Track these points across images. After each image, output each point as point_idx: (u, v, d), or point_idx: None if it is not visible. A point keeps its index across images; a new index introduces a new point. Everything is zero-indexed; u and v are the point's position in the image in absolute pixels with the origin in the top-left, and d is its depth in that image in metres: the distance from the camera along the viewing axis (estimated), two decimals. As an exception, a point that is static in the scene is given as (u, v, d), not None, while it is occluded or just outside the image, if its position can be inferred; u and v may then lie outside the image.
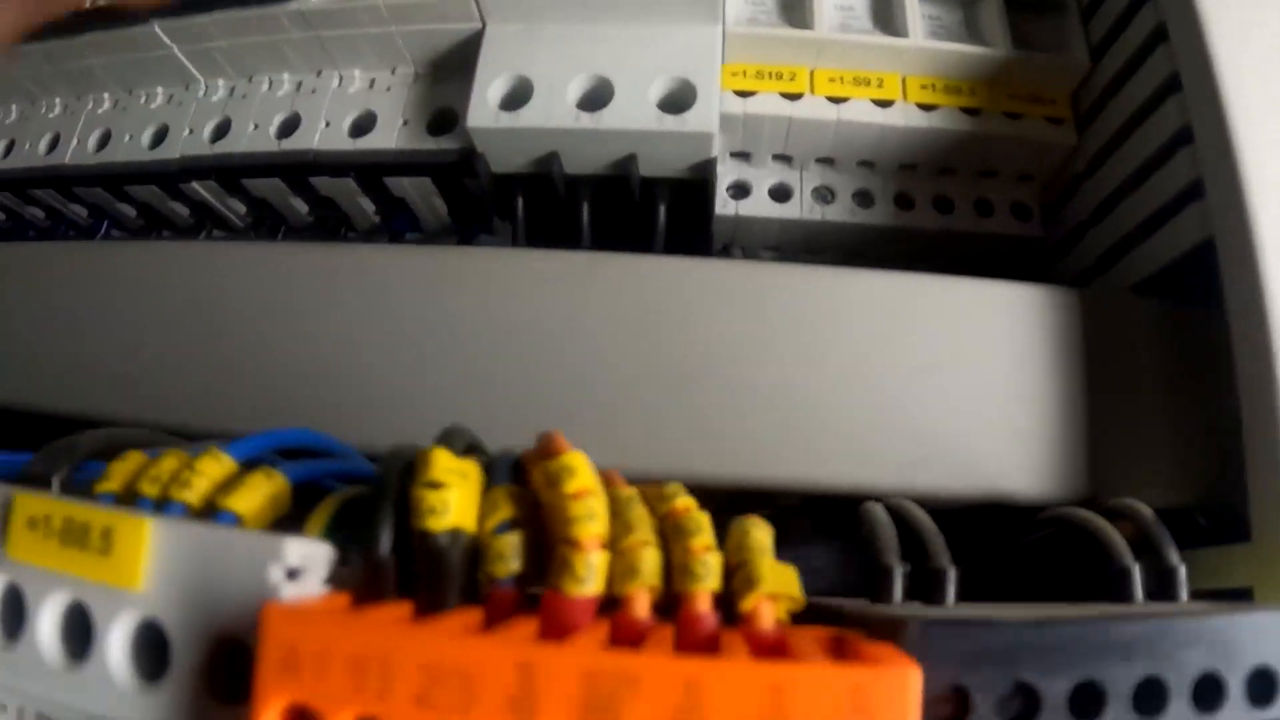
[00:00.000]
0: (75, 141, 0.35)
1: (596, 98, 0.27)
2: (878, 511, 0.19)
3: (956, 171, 0.33)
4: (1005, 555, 0.23)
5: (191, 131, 0.33)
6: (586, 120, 0.26)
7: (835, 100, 0.30)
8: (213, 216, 0.37)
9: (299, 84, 0.33)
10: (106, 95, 0.36)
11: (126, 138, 0.34)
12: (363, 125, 0.31)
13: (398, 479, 0.14)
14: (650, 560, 0.13)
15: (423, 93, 0.31)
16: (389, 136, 0.30)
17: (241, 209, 0.36)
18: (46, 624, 0.14)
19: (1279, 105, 0.23)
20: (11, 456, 0.20)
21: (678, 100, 0.27)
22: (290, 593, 0.12)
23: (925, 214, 0.32)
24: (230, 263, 0.26)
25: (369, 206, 0.34)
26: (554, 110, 0.27)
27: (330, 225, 0.36)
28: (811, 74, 0.30)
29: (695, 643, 0.12)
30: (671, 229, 0.30)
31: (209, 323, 0.25)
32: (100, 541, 0.13)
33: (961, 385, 0.24)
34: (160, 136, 0.34)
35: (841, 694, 0.09)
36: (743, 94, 0.29)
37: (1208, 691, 0.13)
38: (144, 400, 0.24)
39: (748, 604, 0.13)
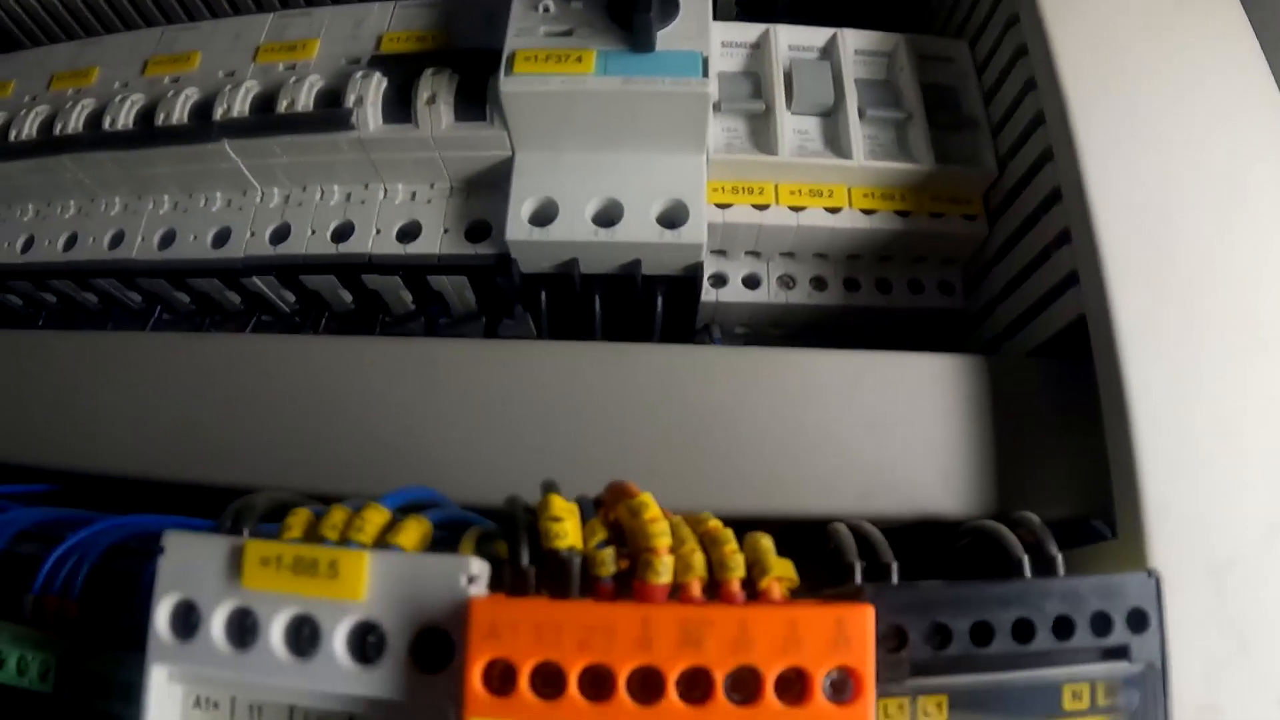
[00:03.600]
0: (140, 239, 0.40)
1: (609, 216, 0.34)
2: (841, 528, 0.26)
3: (893, 258, 0.40)
4: (939, 558, 0.30)
5: (253, 234, 0.39)
6: (603, 235, 0.34)
7: (795, 209, 0.37)
8: (263, 304, 0.43)
9: (349, 195, 0.39)
10: (166, 197, 0.41)
11: (191, 237, 0.39)
12: (410, 232, 0.38)
13: (525, 515, 0.20)
14: (699, 560, 0.20)
15: (459, 205, 0.38)
16: (434, 242, 0.37)
17: (291, 298, 0.42)
18: (276, 633, 0.19)
19: (1136, 216, 0.30)
20: (183, 520, 0.26)
21: (674, 217, 0.34)
22: (472, 592, 0.18)
23: (869, 294, 0.40)
24: (330, 354, 0.33)
25: (407, 297, 0.41)
26: (576, 227, 0.34)
27: (370, 312, 0.42)
28: (776, 188, 0.37)
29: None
30: (665, 314, 0.37)
31: (321, 407, 0.31)
32: (329, 570, 0.19)
33: (901, 434, 0.32)
34: (223, 237, 0.39)
35: (829, 622, 0.16)
36: (722, 205, 0.37)
37: (1063, 627, 0.20)
38: (270, 470, 0.30)
39: (764, 584, 0.19)
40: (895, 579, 0.22)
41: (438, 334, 0.42)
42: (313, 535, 0.21)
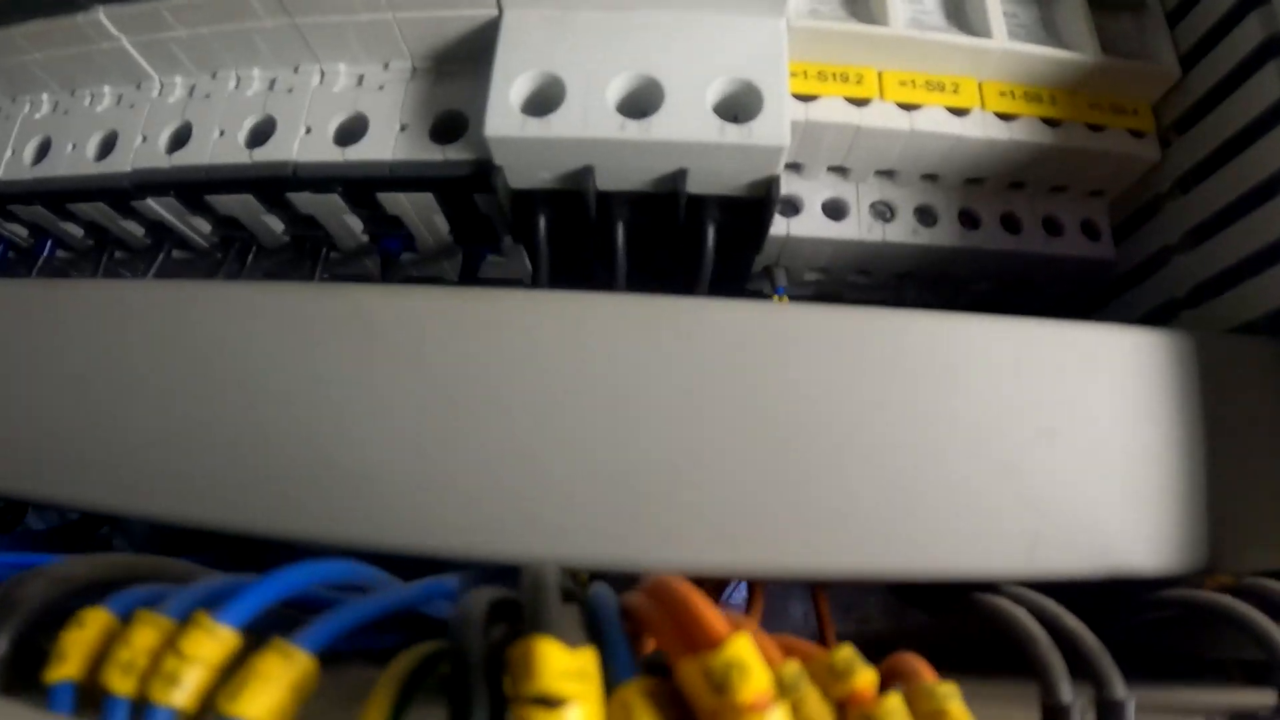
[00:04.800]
0: (10, 152, 0.30)
1: (642, 102, 0.23)
2: (1033, 628, 0.16)
3: (1025, 185, 0.29)
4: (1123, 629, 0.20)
5: (145, 139, 0.28)
6: (632, 130, 0.22)
7: (907, 107, 0.26)
8: (173, 237, 0.32)
9: (272, 81, 0.28)
10: (45, 96, 0.31)
11: (69, 147, 0.29)
12: (351, 131, 0.26)
13: (484, 663, 0.09)
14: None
15: (424, 91, 0.26)
16: (384, 145, 0.26)
17: (206, 228, 0.31)
18: None
19: None
20: None
21: (740, 106, 0.23)
22: None
23: (993, 233, 0.29)
24: (202, 302, 0.21)
25: (356, 225, 0.29)
26: (592, 116, 0.23)
27: (311, 246, 0.31)
28: (880, 77, 0.26)
29: None
30: (718, 254, 0.26)
31: (209, 393, 0.20)
32: None
33: (1079, 447, 0.21)
34: (109, 145, 0.29)
35: None
36: (803, 97, 0.26)
37: None
38: (119, 487, 0.19)
39: None
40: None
41: (395, 274, 0.31)
42: (95, 677, 0.11)
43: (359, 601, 0.12)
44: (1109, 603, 0.21)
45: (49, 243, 0.33)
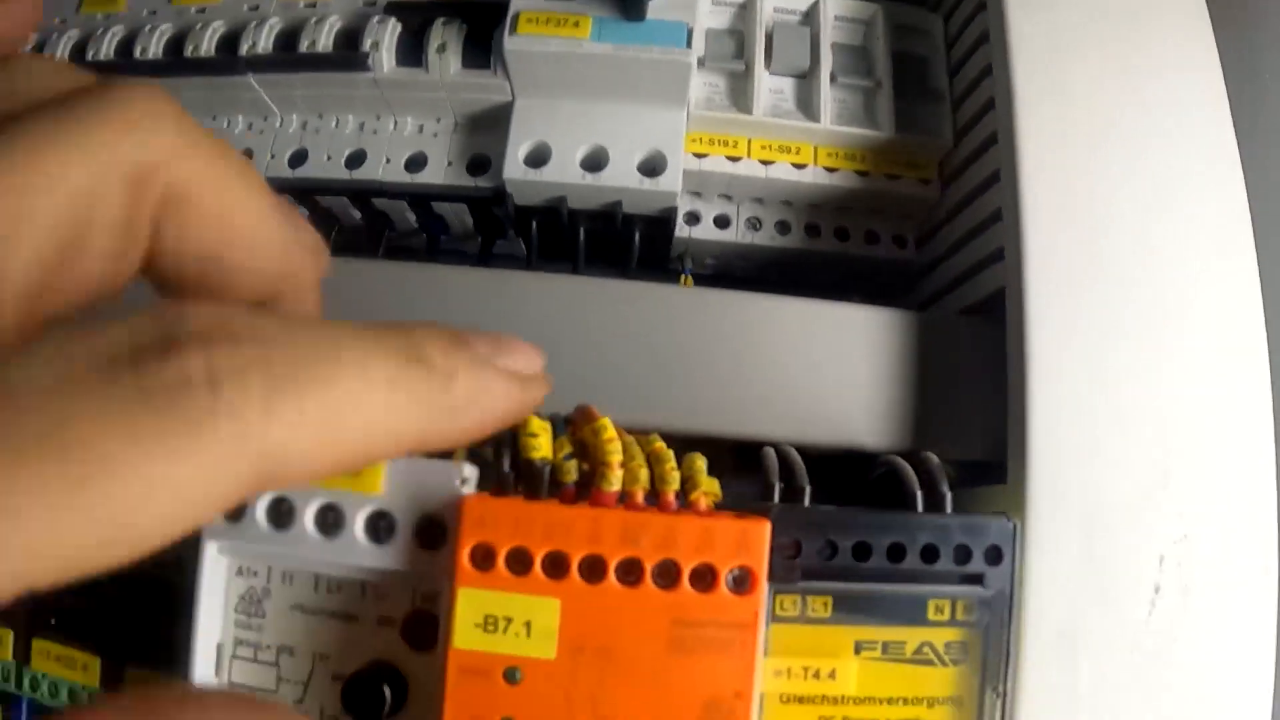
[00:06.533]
0: None
1: (596, 161, 0.38)
2: (770, 452, 0.32)
3: (852, 209, 0.44)
4: (859, 485, 0.36)
5: (273, 156, 0.43)
6: (590, 179, 0.38)
7: (765, 163, 0.41)
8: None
9: (362, 124, 0.43)
10: None
11: None
12: (416, 161, 0.42)
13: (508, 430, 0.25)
14: (644, 474, 0.25)
15: (462, 141, 0.42)
16: (438, 173, 0.41)
17: (305, 212, 0.46)
18: (309, 517, 0.24)
19: (1062, 210, 0.34)
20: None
21: (654, 166, 0.38)
22: (464, 491, 0.23)
23: (828, 241, 0.44)
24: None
25: (412, 217, 0.45)
26: (566, 170, 0.38)
27: (377, 228, 0.46)
28: (749, 143, 0.41)
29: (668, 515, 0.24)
30: (642, 247, 0.41)
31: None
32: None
33: (838, 375, 0.37)
34: (247, 157, 0.44)
35: (735, 531, 0.22)
36: (699, 155, 0.41)
37: (930, 554, 0.26)
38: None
39: (693, 496, 0.24)
40: (807, 501, 0.27)
41: (439, 250, 0.47)
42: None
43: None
44: (853, 464, 0.37)
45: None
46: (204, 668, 0.25)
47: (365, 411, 0.16)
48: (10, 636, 0.30)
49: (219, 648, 0.25)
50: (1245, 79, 0.39)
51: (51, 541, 0.13)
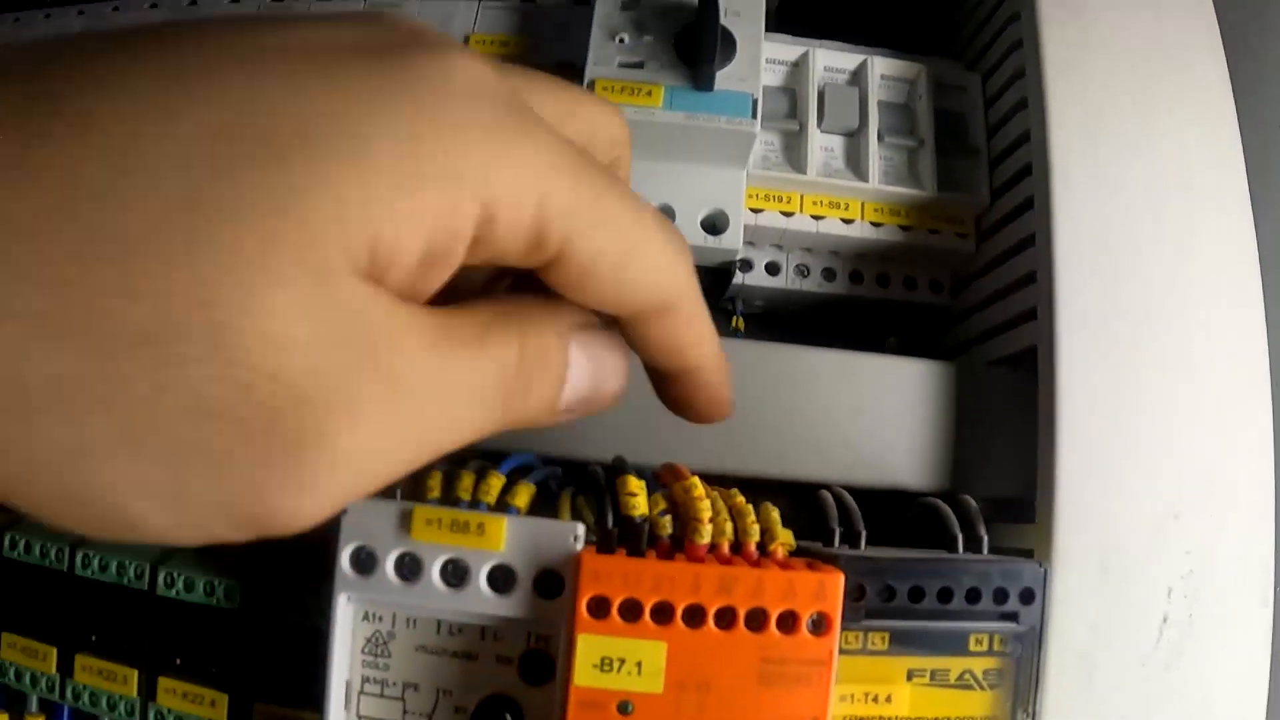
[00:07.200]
0: None
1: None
2: (826, 496, 0.35)
3: (894, 258, 0.48)
4: (899, 522, 0.39)
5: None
6: (658, 236, 0.41)
7: (816, 218, 0.45)
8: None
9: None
10: None
11: None
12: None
13: (607, 488, 0.29)
14: (729, 528, 0.28)
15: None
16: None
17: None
18: (435, 572, 0.27)
19: (1092, 273, 0.37)
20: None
21: (716, 223, 0.42)
22: (578, 548, 0.27)
23: (870, 287, 0.47)
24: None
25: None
26: (637, 227, 0.41)
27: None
28: (801, 199, 0.44)
29: (751, 564, 0.28)
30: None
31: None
32: (477, 529, 0.27)
33: (882, 422, 0.40)
34: None
35: (814, 582, 0.25)
36: (755, 210, 0.44)
37: (973, 595, 0.29)
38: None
39: (772, 547, 0.28)
40: (864, 545, 0.31)
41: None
42: (448, 496, 0.30)
43: (538, 470, 0.32)
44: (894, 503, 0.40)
45: None
46: (336, 704, 0.28)
47: None
48: (136, 675, 0.33)
49: (348, 684, 0.28)
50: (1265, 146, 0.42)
51: None
